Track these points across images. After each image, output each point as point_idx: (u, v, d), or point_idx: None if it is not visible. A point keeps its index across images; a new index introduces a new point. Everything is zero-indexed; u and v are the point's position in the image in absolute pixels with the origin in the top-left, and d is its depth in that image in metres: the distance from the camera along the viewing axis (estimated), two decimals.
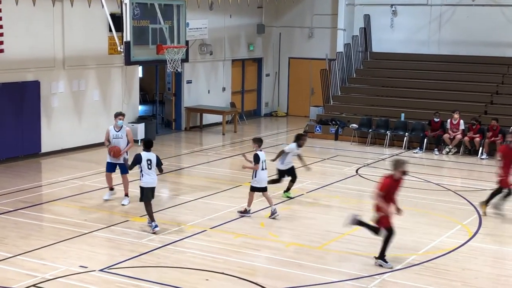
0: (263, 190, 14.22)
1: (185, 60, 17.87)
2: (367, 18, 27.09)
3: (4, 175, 17.42)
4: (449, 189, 17.07)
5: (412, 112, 23.61)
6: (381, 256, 11.47)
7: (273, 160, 15.75)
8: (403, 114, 23.38)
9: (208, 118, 25.97)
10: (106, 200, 15.08)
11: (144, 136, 22.44)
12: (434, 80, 24.88)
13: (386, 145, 22.73)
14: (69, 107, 20.58)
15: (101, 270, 10.97)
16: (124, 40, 15.87)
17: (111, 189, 15.22)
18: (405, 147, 22.40)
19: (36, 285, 10.29)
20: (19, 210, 14.27)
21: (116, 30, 16.81)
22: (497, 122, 21.23)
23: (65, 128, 20.40)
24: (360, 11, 27.26)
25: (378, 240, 12.87)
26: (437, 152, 21.75)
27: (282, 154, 15.65)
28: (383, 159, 20.86)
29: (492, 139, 21.01)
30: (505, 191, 14.58)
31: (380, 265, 11.43)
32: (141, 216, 13.74)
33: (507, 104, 23.06)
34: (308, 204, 15.36)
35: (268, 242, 12.62)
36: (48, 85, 19.85)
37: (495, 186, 15.03)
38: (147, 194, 13.03)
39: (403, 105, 24.10)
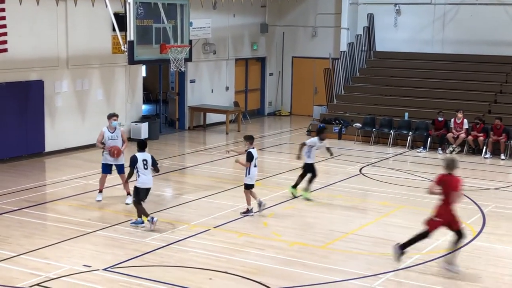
0: (252, 186, 14.32)
1: (189, 59, 17.89)
2: (370, 17, 27.07)
3: (8, 174, 17.45)
4: None
5: (416, 111, 23.58)
6: (405, 246, 11.40)
7: (299, 157, 15.61)
8: (406, 113, 23.36)
9: (212, 118, 25.98)
10: (99, 201, 15.05)
11: (148, 136, 22.50)
12: (438, 79, 24.84)
13: (389, 144, 22.70)
14: (73, 107, 20.61)
15: (104, 269, 10.98)
16: (128, 39, 15.89)
17: (101, 191, 15.15)
18: (408, 146, 22.38)
19: (40, 284, 10.31)
20: (23, 209, 14.29)
21: (120, 30, 16.84)
22: (501, 121, 21.21)
23: (69, 127, 20.43)
24: (364, 10, 27.23)
25: (382, 239, 12.88)
26: (440, 151, 21.72)
27: (303, 147, 15.55)
28: (386, 159, 20.85)
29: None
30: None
31: (402, 254, 11.35)
32: (144, 216, 13.74)
33: (511, 103, 23.02)
34: (312, 203, 15.36)
35: (272, 242, 12.62)
36: (52, 84, 19.88)
37: (498, 184, 14.98)
38: (141, 194, 13.04)
39: (406, 104, 24.08)
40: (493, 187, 17.37)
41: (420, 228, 13.60)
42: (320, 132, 15.91)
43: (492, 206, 15.39)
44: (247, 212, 14.22)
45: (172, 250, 12.01)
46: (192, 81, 25.33)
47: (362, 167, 19.33)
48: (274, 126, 27.04)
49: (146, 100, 26.72)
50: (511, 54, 24.56)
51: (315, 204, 15.32)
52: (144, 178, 13.03)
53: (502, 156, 20.87)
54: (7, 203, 14.77)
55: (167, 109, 26.36)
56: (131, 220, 13.36)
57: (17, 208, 14.34)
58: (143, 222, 13.16)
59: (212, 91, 26.32)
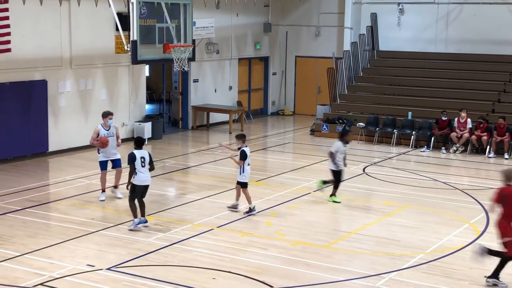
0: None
1: (192, 59, 17.87)
2: (374, 16, 27.05)
3: (12, 174, 17.47)
4: (457, 188, 17.03)
5: (419, 110, 23.55)
6: (495, 275, 10.60)
7: (335, 165, 15.13)
8: (410, 113, 23.33)
9: (215, 117, 25.98)
10: (102, 200, 15.11)
11: (151, 135, 22.51)
12: (441, 78, 24.82)
13: (393, 143, 22.68)
14: (76, 106, 20.63)
15: (108, 269, 10.99)
16: (131, 39, 15.88)
17: (104, 190, 15.26)
18: (412, 145, 22.36)
19: (44, 284, 10.32)
20: (26, 209, 14.31)
21: (123, 29, 16.83)
22: (504, 120, 21.18)
23: (72, 127, 20.44)
24: (367, 9, 27.21)
25: (385, 238, 12.88)
26: (444, 151, 21.70)
27: (332, 155, 15.09)
28: (390, 158, 20.83)
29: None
30: None
31: (495, 285, 10.60)
32: (148, 215, 13.73)
33: None
34: (315, 203, 15.35)
35: (275, 241, 12.61)
36: (55, 84, 19.89)
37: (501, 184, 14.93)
38: (138, 192, 12.99)
39: (410, 104, 24.05)
40: (496, 186, 17.30)
41: (424, 226, 13.64)
42: (343, 135, 15.44)
43: (496, 205, 15.32)
44: (250, 211, 14.21)
45: (175, 249, 12.02)
46: (195, 81, 25.33)
47: (366, 167, 19.32)
48: (277, 126, 27.04)
49: (149, 100, 26.76)
50: None
51: (319, 203, 15.31)
52: (141, 176, 12.96)
53: (506, 156, 20.84)
54: (10, 202, 14.79)
55: (170, 109, 26.36)
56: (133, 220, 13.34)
57: (20, 208, 14.36)
58: (146, 221, 13.13)
59: (215, 91, 26.33)
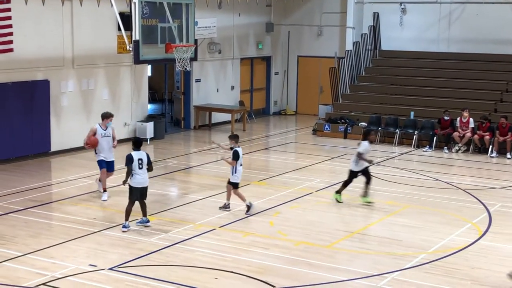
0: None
1: (194, 58, 17.87)
2: (376, 16, 27.02)
3: (14, 174, 17.49)
4: (459, 188, 17.01)
5: (422, 110, 23.53)
6: None
7: (370, 161, 15.10)
8: (412, 112, 23.31)
9: (217, 117, 25.99)
10: (105, 200, 15.15)
11: (153, 135, 22.52)
12: (444, 78, 24.80)
13: (395, 143, 22.66)
14: (79, 106, 20.64)
15: (110, 269, 10.99)
16: (133, 39, 15.88)
17: (105, 190, 15.35)
18: (414, 145, 22.34)
19: (46, 284, 10.32)
20: (29, 209, 14.32)
21: (125, 29, 16.83)
22: (507, 119, 21.16)
23: (75, 127, 20.44)
24: (369, 9, 27.19)
25: (387, 238, 12.87)
26: (446, 151, 21.68)
27: (361, 156, 15.00)
28: (392, 158, 20.81)
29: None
30: None
31: None
32: (150, 215, 13.74)
33: None
34: (317, 203, 15.35)
35: (277, 241, 12.61)
36: (58, 84, 19.91)
37: (504, 184, 14.93)
38: (135, 194, 12.97)
39: (412, 103, 24.03)
40: (499, 186, 17.32)
41: (426, 226, 13.63)
42: (367, 134, 15.39)
43: (499, 205, 15.35)
44: (248, 209, 14.23)
45: (177, 249, 12.02)
46: (198, 81, 25.33)
47: (368, 166, 19.25)
48: (279, 125, 27.03)
49: (151, 100, 26.77)
50: None
51: (321, 203, 15.31)
52: (138, 178, 12.89)
53: (508, 155, 20.82)
54: (13, 202, 14.80)
55: (172, 109, 26.36)
56: (136, 219, 13.35)
57: (23, 208, 14.37)
58: (148, 221, 13.17)
59: (217, 91, 26.33)
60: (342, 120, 24.21)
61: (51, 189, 16.34)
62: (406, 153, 21.49)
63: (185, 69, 17.21)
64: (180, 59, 16.90)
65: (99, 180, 15.65)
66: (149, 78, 24.32)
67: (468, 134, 21.46)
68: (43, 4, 18.28)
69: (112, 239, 12.52)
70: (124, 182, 13.09)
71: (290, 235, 12.99)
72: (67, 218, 13.76)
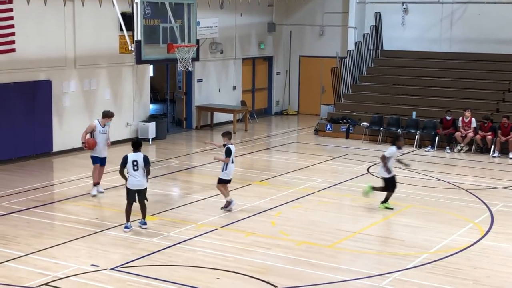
0: (228, 182, 14.41)
1: (196, 59, 17.88)
2: (378, 16, 27.02)
3: (16, 174, 17.50)
4: (461, 188, 17.01)
5: (424, 110, 23.52)
6: None
7: (389, 170, 14.74)
8: (414, 112, 23.31)
9: (219, 117, 25.99)
10: (94, 196, 15.38)
11: (155, 135, 22.52)
12: (446, 78, 24.78)
13: None
14: (81, 106, 20.65)
15: (112, 269, 11.00)
16: (135, 39, 15.89)
17: (95, 185, 15.61)
18: (416, 145, 22.33)
19: (48, 284, 10.33)
20: (31, 209, 14.33)
21: (127, 29, 16.85)
22: (509, 119, 21.14)
23: (77, 127, 20.38)
24: (371, 9, 27.19)
25: (389, 238, 12.86)
26: (448, 150, 21.67)
27: (384, 160, 14.82)
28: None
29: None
30: None
31: None
32: (152, 215, 13.76)
33: None
34: (319, 203, 15.34)
35: (279, 241, 12.61)
36: (60, 84, 19.92)
37: (506, 183, 14.93)
38: (131, 195, 12.91)
39: (414, 103, 24.02)
40: (501, 186, 17.31)
41: (429, 226, 13.62)
42: (396, 139, 15.22)
43: (501, 205, 15.34)
44: (228, 205, 14.35)
45: (179, 249, 12.02)
46: (200, 81, 25.34)
47: (370, 166, 19.30)
48: (281, 125, 27.03)
49: (153, 100, 26.76)
50: None
51: (323, 203, 15.30)
52: (132, 180, 12.82)
53: (510, 155, 20.79)
54: (15, 202, 14.81)
55: (174, 109, 26.39)
56: (138, 220, 13.35)
57: (25, 208, 14.38)
58: (145, 224, 13.07)
59: (219, 91, 26.33)
60: (344, 120, 24.21)
61: (53, 189, 16.35)
62: (408, 153, 21.47)
63: (187, 69, 17.22)
64: (182, 59, 16.91)
65: (95, 186, 15.73)
66: (151, 78, 24.33)
67: (470, 134, 21.44)
68: (45, 4, 18.29)
69: (114, 239, 12.53)
70: (126, 184, 13.10)
71: (292, 235, 12.99)
72: (69, 218, 13.76)
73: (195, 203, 15.12)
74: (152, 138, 22.37)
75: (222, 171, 14.31)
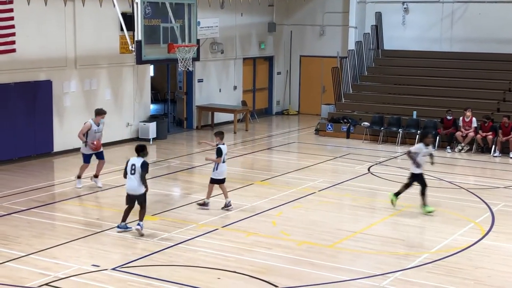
0: (222, 182, 14.46)
1: (196, 59, 17.87)
2: (378, 15, 27.01)
3: (17, 174, 17.50)
4: (462, 187, 17.00)
5: (424, 110, 23.51)
6: None
7: (418, 165, 14.63)
8: (415, 112, 23.30)
9: (220, 117, 25.99)
10: (79, 188, 15.79)
11: (156, 135, 22.52)
12: (446, 77, 24.77)
13: (398, 143, 22.64)
14: (81, 106, 20.65)
15: (113, 269, 11.00)
16: (136, 39, 15.89)
17: (80, 177, 16.08)
18: None
19: (49, 284, 10.33)
20: (32, 209, 14.33)
21: (128, 29, 16.83)
22: (509, 119, 21.13)
23: (77, 127, 20.16)
24: (372, 8, 27.18)
25: (390, 238, 12.87)
26: (449, 150, 21.66)
27: (410, 155, 14.78)
28: (395, 157, 20.80)
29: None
30: None
31: None
32: (152, 215, 13.77)
33: None
34: (320, 203, 15.34)
35: (280, 241, 12.61)
36: (60, 84, 19.92)
37: (507, 183, 14.92)
38: (127, 198, 12.89)
39: (415, 103, 24.00)
40: (502, 185, 17.31)
41: (429, 225, 13.61)
42: (424, 137, 15.18)
43: (502, 204, 15.34)
44: (204, 204, 14.45)
45: (180, 249, 12.02)
46: (200, 81, 25.34)
47: (371, 166, 19.29)
48: (282, 125, 27.02)
49: (154, 100, 26.77)
50: None
51: (323, 203, 15.30)
52: (127, 183, 12.83)
53: (511, 155, 20.79)
54: (16, 203, 14.81)
55: (175, 109, 26.39)
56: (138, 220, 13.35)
57: (26, 208, 14.38)
58: (138, 225, 12.93)
59: (220, 91, 26.33)
60: (345, 120, 24.20)
61: (54, 189, 16.35)
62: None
63: (188, 69, 17.21)
64: (182, 59, 16.91)
65: (95, 176, 16.18)
66: (152, 78, 24.33)
67: (471, 134, 21.44)
68: (46, 4, 18.29)
69: (115, 239, 12.53)
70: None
71: (292, 235, 12.99)
72: (70, 218, 13.77)
73: (195, 203, 15.11)
74: (153, 138, 22.37)
75: (213, 170, 14.41)
